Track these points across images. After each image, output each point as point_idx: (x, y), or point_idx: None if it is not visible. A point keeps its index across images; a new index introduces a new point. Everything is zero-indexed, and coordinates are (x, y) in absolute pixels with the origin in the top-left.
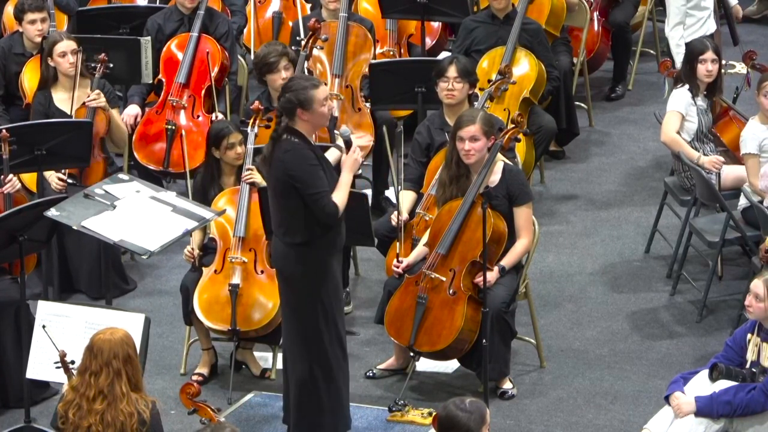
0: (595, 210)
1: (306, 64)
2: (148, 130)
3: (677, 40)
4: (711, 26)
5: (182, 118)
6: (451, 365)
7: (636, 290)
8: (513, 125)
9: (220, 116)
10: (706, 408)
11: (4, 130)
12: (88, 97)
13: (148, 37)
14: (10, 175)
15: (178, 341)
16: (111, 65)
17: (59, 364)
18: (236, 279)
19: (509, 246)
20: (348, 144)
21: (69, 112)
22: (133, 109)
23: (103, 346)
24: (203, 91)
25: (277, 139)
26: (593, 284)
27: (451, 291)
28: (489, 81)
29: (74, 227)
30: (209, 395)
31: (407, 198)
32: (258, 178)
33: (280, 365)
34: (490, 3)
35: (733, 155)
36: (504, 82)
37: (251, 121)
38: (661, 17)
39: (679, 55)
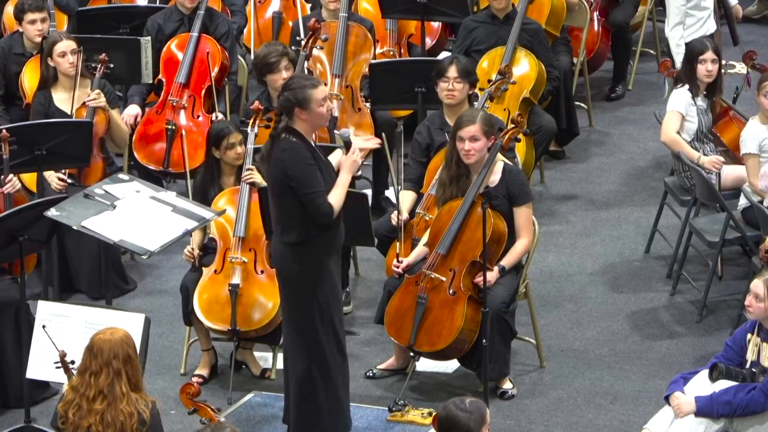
0: (595, 210)
1: (306, 64)
2: (148, 130)
3: (677, 40)
4: (711, 26)
5: (182, 118)
6: (451, 365)
7: (636, 290)
8: (513, 125)
9: (220, 116)
10: (706, 408)
11: (4, 130)
12: (88, 96)
13: (148, 37)
14: (10, 175)
15: (178, 341)
16: (111, 65)
17: (59, 364)
18: (236, 279)
19: (509, 246)
20: (348, 146)
21: (69, 112)
22: (133, 109)
23: (103, 346)
24: (203, 91)
25: (275, 138)
26: (593, 284)
27: (451, 291)
28: (489, 81)
29: (74, 227)
30: (209, 395)
31: (407, 198)
32: (258, 178)
33: (280, 365)
34: (490, 3)
35: (733, 155)
36: (504, 82)
37: (251, 121)
38: (661, 17)
39: (679, 55)
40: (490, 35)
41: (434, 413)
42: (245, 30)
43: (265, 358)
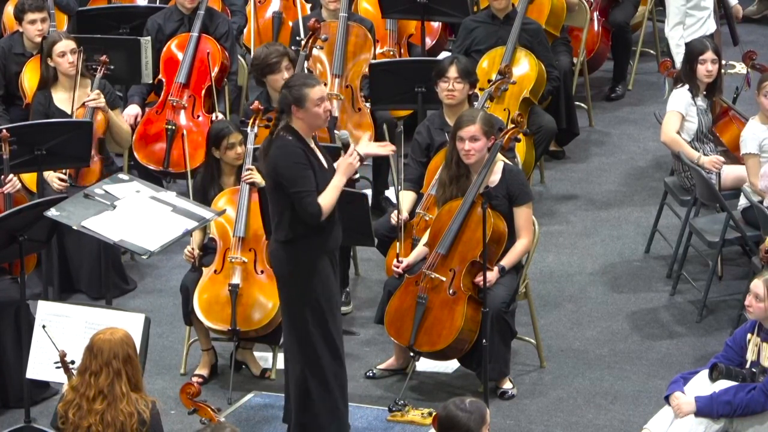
0: (595, 210)
1: (306, 64)
2: (148, 130)
3: (677, 40)
4: (711, 26)
5: (182, 118)
6: (451, 365)
7: (636, 290)
8: (513, 125)
9: (220, 116)
10: (706, 408)
11: (4, 130)
12: (88, 97)
13: (148, 37)
14: (11, 175)
15: (178, 341)
16: (112, 67)
17: (59, 364)
18: (236, 279)
19: (509, 246)
20: (345, 148)
21: (69, 112)
22: (133, 109)
23: (103, 346)
24: (203, 91)
25: (273, 136)
26: (593, 284)
27: (451, 291)
28: (489, 81)
29: (74, 227)
30: (209, 395)
31: (407, 198)
32: (258, 178)
33: (280, 365)
34: (490, 3)
35: (733, 155)
36: (504, 82)
37: (251, 121)
38: (661, 17)
39: (678, 55)
40: (490, 35)
41: (434, 413)
42: (245, 30)
43: (265, 358)
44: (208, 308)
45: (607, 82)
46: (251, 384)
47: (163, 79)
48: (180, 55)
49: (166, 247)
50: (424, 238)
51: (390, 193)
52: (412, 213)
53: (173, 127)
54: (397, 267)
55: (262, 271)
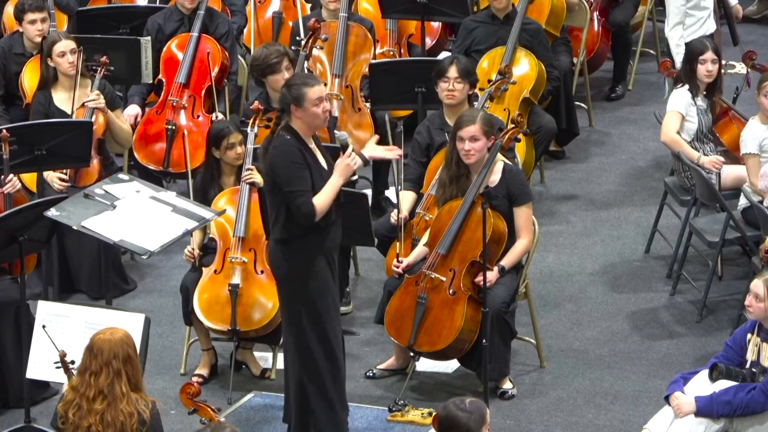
0: (595, 210)
1: (306, 64)
2: (148, 130)
3: (677, 40)
4: (711, 26)
5: (182, 118)
6: (451, 365)
7: (636, 290)
8: (513, 125)
9: (220, 116)
10: (706, 408)
11: (4, 130)
12: (88, 97)
13: (148, 37)
14: (11, 175)
15: (178, 341)
16: (112, 68)
17: (59, 364)
18: (236, 279)
19: (509, 246)
20: (344, 149)
21: (69, 112)
22: (133, 109)
23: (103, 346)
24: (203, 91)
25: (273, 135)
26: (593, 284)
27: (451, 291)
28: (489, 81)
29: (74, 227)
30: (209, 395)
31: (407, 198)
32: (258, 178)
33: (280, 365)
34: (490, 3)
35: (733, 155)
36: (504, 82)
37: (251, 121)
38: (661, 17)
39: (678, 55)
40: (490, 35)
41: (434, 413)
42: (245, 30)
43: (265, 358)
44: (208, 308)
45: (607, 82)
46: (251, 384)
47: (163, 79)
48: (180, 55)
49: (166, 247)
50: (424, 238)
51: (390, 193)
52: (412, 213)
53: (173, 127)
54: (397, 267)
55: (262, 271)
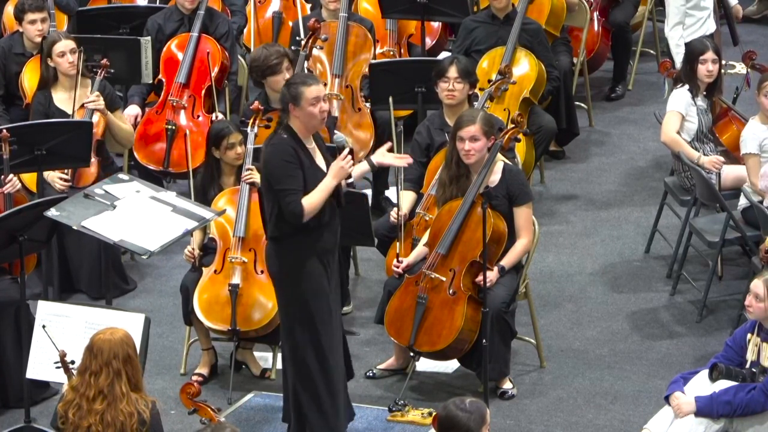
0: (595, 210)
1: (306, 64)
2: (148, 130)
3: (677, 40)
4: (710, 26)
5: (182, 118)
6: (451, 365)
7: (636, 290)
8: (513, 125)
9: (220, 116)
10: (706, 408)
11: (4, 130)
12: (88, 98)
13: (148, 37)
14: (11, 175)
15: (178, 341)
16: (112, 71)
17: (59, 364)
18: (236, 279)
19: (509, 246)
20: (341, 150)
21: (69, 112)
22: (133, 110)
23: (103, 346)
24: (203, 91)
25: (273, 133)
26: (593, 284)
27: (451, 291)
28: (489, 81)
29: (74, 227)
30: (209, 395)
31: (407, 198)
32: (258, 178)
33: (280, 365)
34: (490, 3)
35: (733, 155)
36: (504, 82)
37: (251, 121)
38: (661, 17)
39: (678, 55)
40: (490, 35)
41: (434, 413)
42: (245, 30)
43: (265, 358)
44: (208, 308)
45: (607, 82)
46: (251, 384)
47: (163, 79)
48: (180, 55)
49: (166, 247)
50: (424, 238)
51: (390, 193)
52: (412, 213)
53: (173, 127)
54: (397, 267)
55: (261, 271)
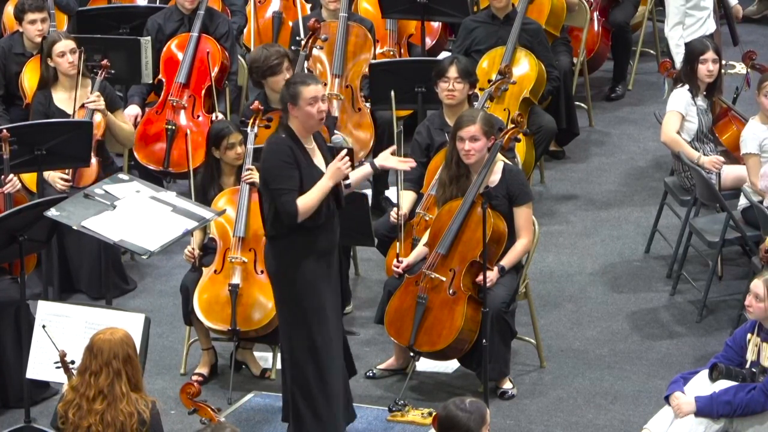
0: (595, 210)
1: (306, 64)
2: (148, 130)
3: (677, 40)
4: (710, 26)
5: (182, 118)
6: (451, 365)
7: (636, 290)
8: (513, 125)
9: (220, 116)
10: (706, 408)
11: (4, 130)
12: (88, 98)
13: (148, 37)
14: (11, 175)
15: (178, 341)
16: (113, 71)
17: (59, 364)
18: (236, 279)
19: (509, 246)
20: (338, 151)
21: (69, 112)
22: (133, 110)
23: (103, 346)
24: (203, 91)
25: (274, 133)
26: (593, 284)
27: (451, 291)
28: (489, 81)
29: (74, 227)
30: (209, 395)
31: (407, 198)
32: (258, 178)
33: (280, 365)
34: (491, 3)
35: (733, 155)
36: (504, 82)
37: (251, 121)
38: (661, 17)
39: (678, 55)
40: (490, 35)
41: (434, 413)
42: (245, 30)
43: (265, 358)
44: (208, 308)
45: (607, 82)
46: (251, 384)
47: (163, 79)
48: (180, 55)
49: (166, 247)
50: (424, 238)
51: (390, 193)
52: (412, 213)
53: (173, 127)
54: (397, 267)
55: (261, 271)
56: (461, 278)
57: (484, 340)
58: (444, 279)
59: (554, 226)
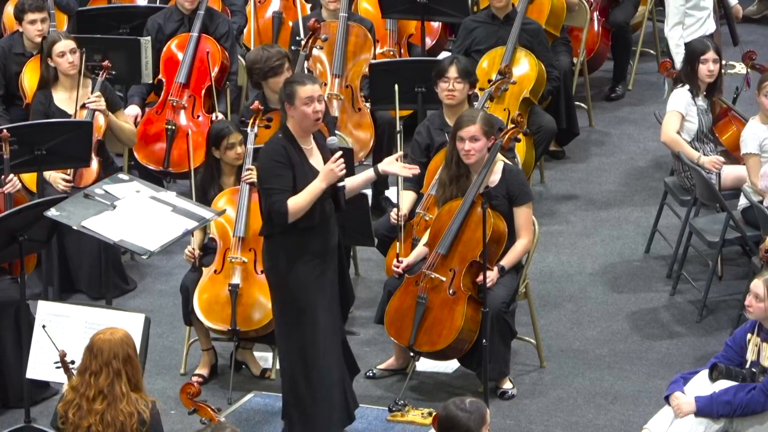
0: (595, 210)
1: (306, 64)
2: (148, 130)
3: (676, 40)
4: (710, 26)
5: (182, 118)
6: (451, 365)
7: (636, 290)
8: (513, 125)
9: (220, 116)
10: (706, 408)
11: (4, 130)
12: (88, 98)
13: (148, 37)
14: (11, 175)
15: (178, 341)
16: (114, 72)
17: (59, 364)
18: (236, 279)
19: (509, 246)
20: (332, 153)
21: (69, 112)
22: (133, 110)
23: (103, 346)
24: (203, 91)
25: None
26: (593, 284)
27: (451, 291)
28: (489, 81)
29: (74, 227)
30: (209, 395)
31: (407, 198)
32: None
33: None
34: (491, 3)
35: (733, 155)
36: (504, 82)
37: (251, 121)
38: (661, 17)
39: (678, 55)
40: (490, 35)
41: (434, 413)
42: (245, 30)
43: (265, 358)
44: (208, 308)
45: (607, 82)
46: (251, 384)
47: (163, 79)
48: (180, 55)
49: (166, 247)
50: (424, 238)
51: (390, 193)
52: (412, 213)
53: (173, 127)
54: (397, 267)
55: (261, 271)
56: (461, 278)
57: (484, 340)
58: (444, 279)
59: (554, 226)
